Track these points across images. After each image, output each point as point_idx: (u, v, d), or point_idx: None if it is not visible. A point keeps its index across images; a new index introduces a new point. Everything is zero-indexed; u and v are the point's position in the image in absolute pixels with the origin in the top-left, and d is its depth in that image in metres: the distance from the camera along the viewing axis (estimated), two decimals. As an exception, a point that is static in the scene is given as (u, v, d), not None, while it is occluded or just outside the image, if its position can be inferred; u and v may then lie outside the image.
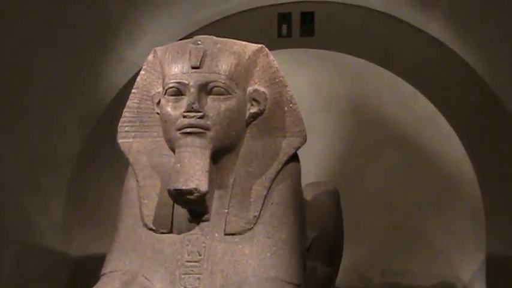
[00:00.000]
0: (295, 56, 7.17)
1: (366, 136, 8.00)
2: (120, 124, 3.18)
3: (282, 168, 2.99)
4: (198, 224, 2.89)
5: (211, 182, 2.80)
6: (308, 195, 4.22)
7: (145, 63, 3.20)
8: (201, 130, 2.81)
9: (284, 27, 6.93)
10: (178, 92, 2.88)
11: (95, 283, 2.87)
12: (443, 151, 7.37)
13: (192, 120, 2.81)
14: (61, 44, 5.87)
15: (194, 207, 2.85)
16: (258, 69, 3.07)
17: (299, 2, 6.99)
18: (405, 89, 7.14)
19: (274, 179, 2.96)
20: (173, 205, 2.91)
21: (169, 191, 2.78)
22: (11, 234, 5.80)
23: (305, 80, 7.64)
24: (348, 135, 8.05)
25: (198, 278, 2.79)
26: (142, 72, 3.21)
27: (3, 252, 5.71)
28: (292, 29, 6.94)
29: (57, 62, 5.94)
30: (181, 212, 2.90)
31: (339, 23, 6.94)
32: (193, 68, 2.88)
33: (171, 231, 2.91)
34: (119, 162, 3.45)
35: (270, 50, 3.17)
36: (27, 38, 5.50)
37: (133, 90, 3.21)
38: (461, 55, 6.45)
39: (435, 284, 7.62)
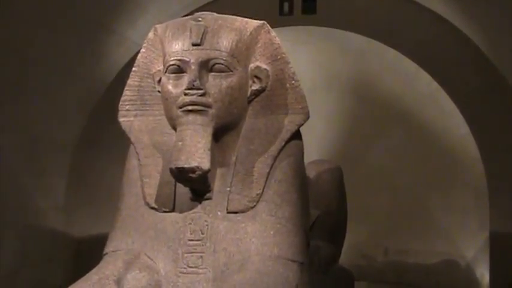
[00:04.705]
0: (297, 34, 7.13)
1: (368, 114, 7.99)
2: (120, 103, 3.15)
3: (284, 145, 2.96)
4: (200, 202, 2.87)
5: (213, 160, 2.77)
6: (311, 173, 4.21)
7: (145, 40, 3.16)
8: (202, 108, 2.78)
9: (285, 5, 6.86)
10: (179, 69, 2.85)
11: (97, 263, 2.86)
12: (447, 129, 7.35)
13: (194, 98, 2.77)
14: (61, 25, 5.84)
15: (196, 185, 2.83)
16: (259, 45, 3.03)
17: (301, -21, 6.92)
18: (408, 67, 7.10)
19: (276, 156, 2.93)
20: (175, 184, 2.89)
21: (171, 170, 2.76)
22: (14, 215, 5.82)
23: (307, 58, 7.60)
24: (351, 113, 8.03)
25: (201, 257, 2.78)
26: (142, 50, 3.17)
27: (7, 233, 5.73)
28: (294, 7, 6.88)
29: (58, 43, 5.91)
30: (183, 191, 2.88)
31: (341, 0, 6.88)
32: (194, 45, 2.84)
33: (173, 210, 2.89)
34: (120, 143, 3.44)
35: (271, 28, 3.13)
36: (27, 19, 5.47)
37: (133, 69, 3.17)
38: (465, 32, 6.40)
39: (438, 262, 7.64)
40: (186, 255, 2.79)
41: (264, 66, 3.01)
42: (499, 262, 6.46)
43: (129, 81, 3.17)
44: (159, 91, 3.02)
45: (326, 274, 4.14)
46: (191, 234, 2.82)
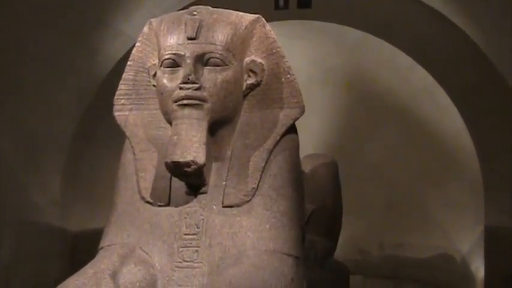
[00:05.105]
0: (292, 28, 7.11)
1: (363, 109, 7.99)
2: (116, 97, 3.14)
3: (279, 139, 2.96)
4: (195, 196, 2.87)
5: (208, 154, 2.77)
6: (306, 167, 4.22)
7: (140, 34, 3.15)
8: (197, 102, 2.78)
9: (281, -1, 6.84)
10: (174, 63, 2.84)
11: (93, 257, 2.86)
12: (442, 124, 7.36)
13: (189, 92, 2.77)
14: (56, 19, 5.82)
15: (191, 179, 2.83)
16: (254, 39, 3.03)
17: (296, -27, 6.89)
18: (404, 62, 7.10)
19: (272, 150, 2.92)
20: (170, 178, 2.89)
21: (166, 164, 2.76)
22: (10, 211, 5.81)
23: (302, 53, 7.59)
24: (346, 108, 8.03)
25: (196, 251, 2.78)
26: (137, 44, 3.17)
27: (3, 229, 5.72)
28: (289, 1, 6.84)
29: (53, 37, 5.89)
30: (178, 185, 2.88)
31: (337, -6, 6.86)
32: (189, 39, 2.84)
33: (168, 204, 2.89)
34: (116, 138, 3.43)
35: (266, 22, 3.13)
36: (22, 13, 5.44)
37: (128, 63, 3.17)
38: (461, 28, 6.39)
39: (434, 256, 7.66)
40: (181, 249, 2.79)
41: (259, 60, 3.01)
42: (493, 256, 6.48)
43: (124, 75, 3.16)
44: (154, 85, 3.01)
45: (322, 268, 4.15)
46: (186, 228, 2.82)
